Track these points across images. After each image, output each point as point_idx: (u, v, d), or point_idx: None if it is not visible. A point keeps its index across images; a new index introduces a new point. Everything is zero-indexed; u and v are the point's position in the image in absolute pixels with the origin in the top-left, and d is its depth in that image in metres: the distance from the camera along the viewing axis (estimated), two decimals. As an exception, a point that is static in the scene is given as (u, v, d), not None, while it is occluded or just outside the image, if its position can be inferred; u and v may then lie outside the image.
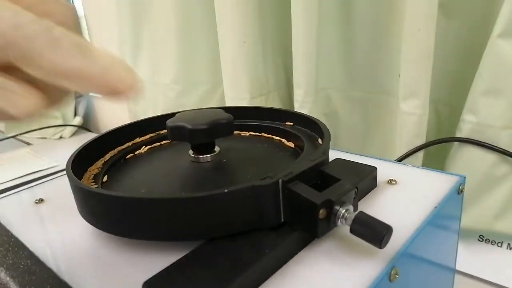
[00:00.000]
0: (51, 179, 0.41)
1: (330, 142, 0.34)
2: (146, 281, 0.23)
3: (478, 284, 0.58)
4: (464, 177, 0.35)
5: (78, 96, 1.37)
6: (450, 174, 0.35)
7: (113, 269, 0.26)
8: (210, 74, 0.85)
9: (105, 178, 0.33)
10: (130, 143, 0.40)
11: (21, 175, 0.88)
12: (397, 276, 0.25)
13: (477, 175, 0.55)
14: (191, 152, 0.35)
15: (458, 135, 0.56)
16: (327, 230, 0.26)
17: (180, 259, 0.25)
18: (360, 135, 0.71)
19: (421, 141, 0.58)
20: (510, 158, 0.53)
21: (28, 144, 1.20)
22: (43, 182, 0.41)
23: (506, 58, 0.51)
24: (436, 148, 0.62)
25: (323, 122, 0.37)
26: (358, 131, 0.71)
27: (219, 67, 0.77)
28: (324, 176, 0.29)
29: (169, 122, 0.33)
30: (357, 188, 0.28)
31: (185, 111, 0.37)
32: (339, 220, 0.26)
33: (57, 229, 0.32)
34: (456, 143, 0.57)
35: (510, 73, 0.51)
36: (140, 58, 0.94)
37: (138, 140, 0.41)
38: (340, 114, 0.72)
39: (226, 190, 0.25)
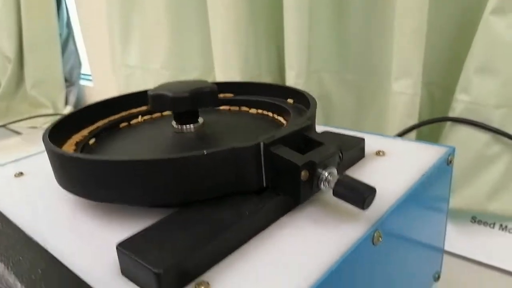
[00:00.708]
0: (33, 154, 0.40)
1: (322, 121, 0.33)
2: (120, 242, 0.22)
3: (470, 266, 0.58)
4: (454, 148, 0.34)
5: (69, 85, 1.35)
6: (439, 145, 0.35)
7: (88, 232, 0.25)
8: (202, 60, 0.84)
9: (91, 141, 0.33)
10: (125, 113, 0.39)
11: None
12: (380, 239, 0.24)
13: (470, 155, 0.54)
14: (174, 123, 0.34)
15: (451, 115, 0.55)
16: (310, 194, 0.25)
17: (156, 222, 0.24)
18: (352, 117, 0.70)
19: (413, 121, 0.58)
20: (502, 137, 0.52)
21: (18, 133, 1.18)
22: (25, 157, 0.40)
23: (498, 35, 0.50)
24: (429, 129, 0.61)
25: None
26: (351, 113, 0.70)
27: (211, 53, 0.76)
28: (308, 141, 0.28)
29: (151, 91, 0.32)
30: (341, 152, 0.27)
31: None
32: (322, 183, 0.25)
33: (33, 197, 0.31)
34: (448, 123, 0.56)
35: (503, 50, 0.50)
36: (130, 43, 0.93)
37: (134, 110, 0.40)
38: (333, 97, 0.71)
39: (205, 152, 0.24)
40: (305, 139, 0.28)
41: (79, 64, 1.39)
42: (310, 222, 0.25)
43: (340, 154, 0.27)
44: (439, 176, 0.33)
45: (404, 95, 0.57)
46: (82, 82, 1.39)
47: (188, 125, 0.33)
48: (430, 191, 0.32)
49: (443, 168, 0.33)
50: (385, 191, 0.27)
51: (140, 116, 0.39)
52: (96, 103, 0.38)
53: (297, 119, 0.31)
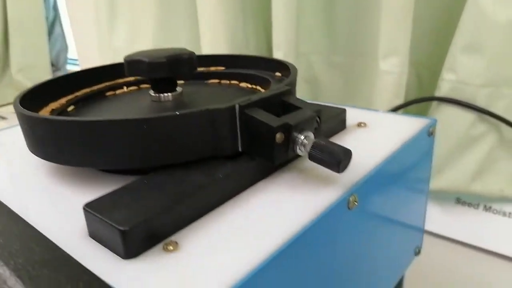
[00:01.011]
0: (8, 127, 0.39)
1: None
2: (87, 203, 0.21)
3: (455, 246, 0.58)
4: (435, 120, 0.34)
5: (55, 70, 1.33)
6: (421, 117, 0.34)
7: (59, 196, 0.25)
8: (189, 41, 0.83)
9: (70, 108, 0.32)
10: (110, 83, 0.38)
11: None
12: (356, 203, 0.24)
13: (455, 134, 0.54)
14: (151, 92, 0.33)
15: (437, 94, 0.55)
16: (285, 157, 0.25)
17: (126, 184, 0.23)
18: (340, 98, 0.70)
19: (400, 101, 0.57)
20: (488, 117, 0.52)
21: (3, 118, 1.16)
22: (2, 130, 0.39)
23: (485, 12, 0.49)
24: (415, 110, 0.61)
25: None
26: (339, 95, 0.69)
27: (198, 34, 0.75)
28: (286, 106, 0.27)
29: (127, 57, 0.31)
30: (319, 118, 0.26)
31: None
32: (298, 147, 0.24)
33: (4, 164, 0.30)
34: (434, 103, 0.56)
35: (490, 28, 0.50)
36: (117, 25, 0.91)
37: (119, 80, 0.39)
38: (321, 79, 0.70)
39: (177, 113, 0.23)
40: (284, 104, 0.27)
41: (65, 48, 1.37)
42: (286, 187, 0.24)
43: (318, 119, 0.26)
44: (419, 147, 0.32)
45: (391, 74, 0.56)
46: (68, 67, 1.37)
47: (165, 94, 0.32)
48: (410, 162, 0.31)
49: (424, 139, 0.33)
50: (363, 159, 0.27)
51: (125, 87, 0.38)
52: (75, 72, 0.37)
53: (277, 85, 0.30)
